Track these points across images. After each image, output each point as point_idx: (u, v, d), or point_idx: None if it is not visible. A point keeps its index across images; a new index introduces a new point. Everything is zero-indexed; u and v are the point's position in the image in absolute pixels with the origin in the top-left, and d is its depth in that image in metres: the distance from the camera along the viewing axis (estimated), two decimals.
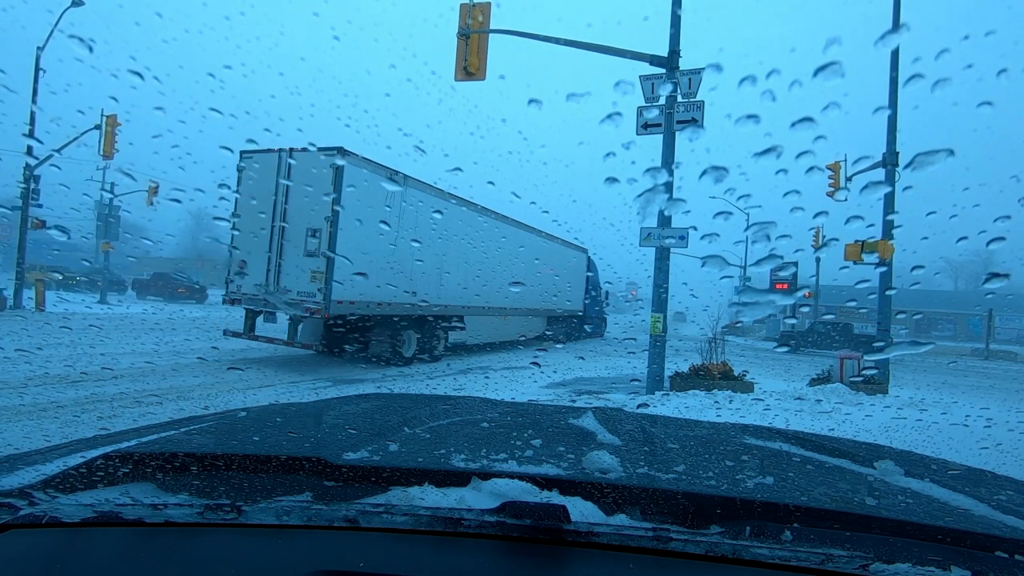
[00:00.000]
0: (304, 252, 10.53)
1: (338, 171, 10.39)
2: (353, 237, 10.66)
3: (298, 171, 10.87)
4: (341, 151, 10.31)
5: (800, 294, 10.50)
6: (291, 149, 10.79)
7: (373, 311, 11.39)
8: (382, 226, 11.38)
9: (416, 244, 12.31)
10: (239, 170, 11.21)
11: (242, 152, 11.05)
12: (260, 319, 11.37)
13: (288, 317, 11.11)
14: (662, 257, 9.40)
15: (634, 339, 19.19)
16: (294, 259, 10.63)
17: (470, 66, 9.28)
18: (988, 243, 2.53)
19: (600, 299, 25.22)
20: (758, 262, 2.15)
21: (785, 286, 17.62)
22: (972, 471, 1.51)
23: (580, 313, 23.08)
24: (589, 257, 23.66)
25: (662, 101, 9.66)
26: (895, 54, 10.91)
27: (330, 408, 1.92)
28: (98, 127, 19.40)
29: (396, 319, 11.87)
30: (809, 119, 1.99)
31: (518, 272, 17.05)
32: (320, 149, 10.65)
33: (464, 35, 9.31)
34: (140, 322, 17.35)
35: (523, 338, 18.67)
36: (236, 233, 11.28)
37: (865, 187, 2.64)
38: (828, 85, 1.89)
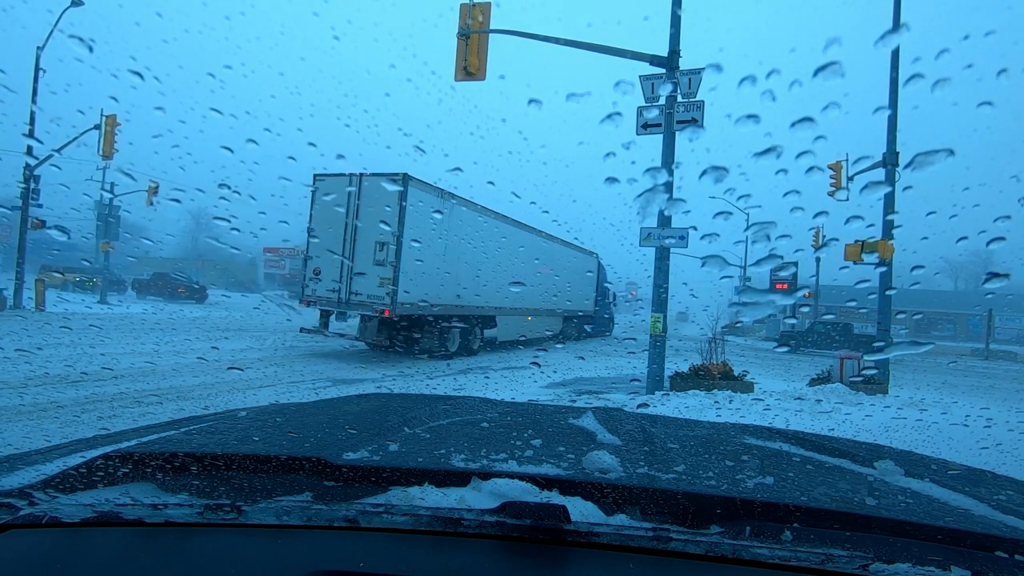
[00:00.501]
0: (373, 261, 12.20)
1: (402, 194, 11.98)
2: (413, 248, 12.32)
3: (367, 193, 12.50)
4: (405, 177, 11.98)
5: (800, 294, 10.51)
6: (360, 174, 12.48)
7: (429, 311, 12.98)
8: (435, 238, 13.13)
9: (460, 253, 13.97)
10: (313, 192, 12.97)
11: (315, 175, 12.91)
12: (332, 318, 13.08)
13: (359, 316, 12.93)
14: (662, 257, 9.40)
15: (634, 339, 19.27)
16: (364, 267, 12.25)
17: (470, 66, 9.28)
18: (988, 243, 2.54)
19: (608, 300, 27.06)
20: (758, 262, 2.15)
21: (785, 286, 17.64)
22: (972, 471, 1.51)
23: (591, 313, 24.55)
24: (599, 261, 25.05)
25: (662, 101, 9.64)
26: (895, 54, 10.90)
27: (330, 408, 1.92)
28: (98, 127, 19.37)
29: (445, 318, 13.55)
30: (809, 119, 1.99)
31: (541, 277, 18.96)
32: (386, 175, 12.41)
33: (464, 35, 9.31)
34: (140, 322, 17.33)
35: (523, 338, 19.18)
36: (311, 244, 13.04)
37: (865, 187, 2.65)
38: (828, 85, 1.90)
